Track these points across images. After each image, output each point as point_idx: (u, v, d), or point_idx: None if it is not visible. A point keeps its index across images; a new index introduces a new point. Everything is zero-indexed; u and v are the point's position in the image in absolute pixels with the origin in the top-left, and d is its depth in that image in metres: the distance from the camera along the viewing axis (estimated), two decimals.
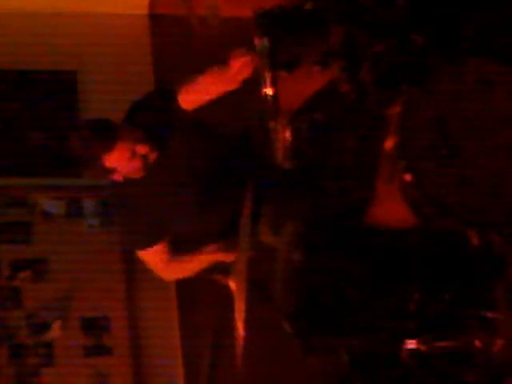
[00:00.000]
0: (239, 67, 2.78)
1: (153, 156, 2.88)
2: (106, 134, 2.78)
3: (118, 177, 2.88)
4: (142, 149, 2.83)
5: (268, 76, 2.53)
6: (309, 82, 2.58)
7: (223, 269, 3.04)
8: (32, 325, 4.18)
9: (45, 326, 4.19)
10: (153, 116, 2.96)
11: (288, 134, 2.59)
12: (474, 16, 2.52)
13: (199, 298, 3.97)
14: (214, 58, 2.95)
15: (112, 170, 2.84)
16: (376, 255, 2.44)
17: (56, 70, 4.53)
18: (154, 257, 3.05)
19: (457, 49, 2.51)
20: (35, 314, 4.19)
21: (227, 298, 2.85)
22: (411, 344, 2.40)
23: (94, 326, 4.24)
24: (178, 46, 4.47)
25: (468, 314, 2.35)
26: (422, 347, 2.39)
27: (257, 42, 2.54)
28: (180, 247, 3.09)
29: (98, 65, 4.46)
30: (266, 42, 2.52)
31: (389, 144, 2.29)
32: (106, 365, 4.20)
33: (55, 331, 4.18)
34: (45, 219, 4.35)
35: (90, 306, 4.20)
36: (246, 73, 2.80)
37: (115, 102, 3.23)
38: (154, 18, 4.72)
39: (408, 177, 2.21)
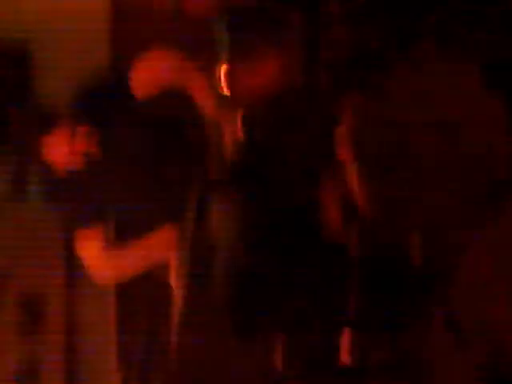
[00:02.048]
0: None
1: (94, 153, 2.86)
2: (44, 116, 2.80)
3: (60, 174, 2.85)
4: (81, 146, 2.82)
5: (223, 69, 2.52)
6: (262, 74, 2.56)
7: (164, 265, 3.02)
8: None
9: None
10: (101, 108, 2.92)
11: (239, 128, 2.58)
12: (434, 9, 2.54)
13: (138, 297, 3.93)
14: (172, 34, 2.92)
15: (52, 164, 2.82)
16: (316, 258, 2.44)
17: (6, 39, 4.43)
18: (89, 243, 3.01)
19: (413, 45, 2.53)
20: None
21: (167, 294, 2.84)
22: (347, 349, 2.42)
23: (29, 305, 4.19)
24: (136, 22, 4.41)
25: (404, 327, 2.36)
26: (357, 354, 2.40)
27: (216, 34, 2.52)
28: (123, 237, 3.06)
29: (52, 35, 4.36)
30: (225, 34, 2.51)
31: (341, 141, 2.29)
32: (39, 343, 4.16)
33: None
34: None
35: (26, 284, 4.15)
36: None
37: (69, 76, 3.19)
38: None
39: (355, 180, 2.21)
